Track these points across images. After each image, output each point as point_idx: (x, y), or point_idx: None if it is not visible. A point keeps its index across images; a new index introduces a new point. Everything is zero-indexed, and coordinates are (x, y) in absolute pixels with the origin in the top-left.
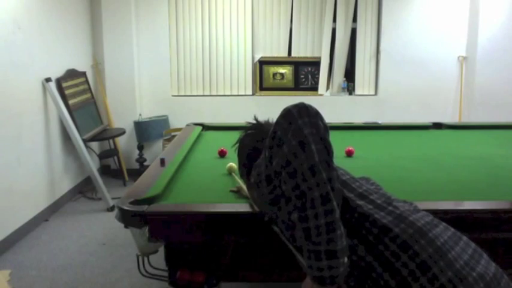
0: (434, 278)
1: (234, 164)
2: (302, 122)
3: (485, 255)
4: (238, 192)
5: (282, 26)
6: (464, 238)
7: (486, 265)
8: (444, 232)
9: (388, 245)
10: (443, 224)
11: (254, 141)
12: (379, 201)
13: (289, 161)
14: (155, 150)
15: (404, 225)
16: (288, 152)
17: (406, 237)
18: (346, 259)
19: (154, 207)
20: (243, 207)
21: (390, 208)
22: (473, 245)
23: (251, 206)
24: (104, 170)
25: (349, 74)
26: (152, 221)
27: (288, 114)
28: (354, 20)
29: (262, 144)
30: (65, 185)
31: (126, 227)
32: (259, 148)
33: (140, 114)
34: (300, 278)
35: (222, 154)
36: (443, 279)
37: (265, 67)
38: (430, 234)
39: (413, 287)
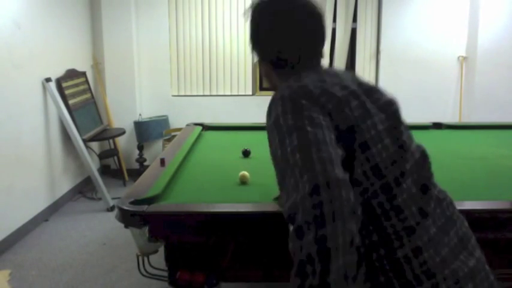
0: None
1: (246, 173)
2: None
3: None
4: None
5: None
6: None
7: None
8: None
9: (394, 225)
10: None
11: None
12: None
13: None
14: (155, 150)
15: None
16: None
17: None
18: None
19: (154, 207)
20: (243, 207)
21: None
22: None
23: (251, 206)
24: (104, 170)
25: None
26: (152, 221)
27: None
28: (354, 20)
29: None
30: (65, 185)
31: (126, 227)
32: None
33: (140, 114)
34: None
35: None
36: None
37: None
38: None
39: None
